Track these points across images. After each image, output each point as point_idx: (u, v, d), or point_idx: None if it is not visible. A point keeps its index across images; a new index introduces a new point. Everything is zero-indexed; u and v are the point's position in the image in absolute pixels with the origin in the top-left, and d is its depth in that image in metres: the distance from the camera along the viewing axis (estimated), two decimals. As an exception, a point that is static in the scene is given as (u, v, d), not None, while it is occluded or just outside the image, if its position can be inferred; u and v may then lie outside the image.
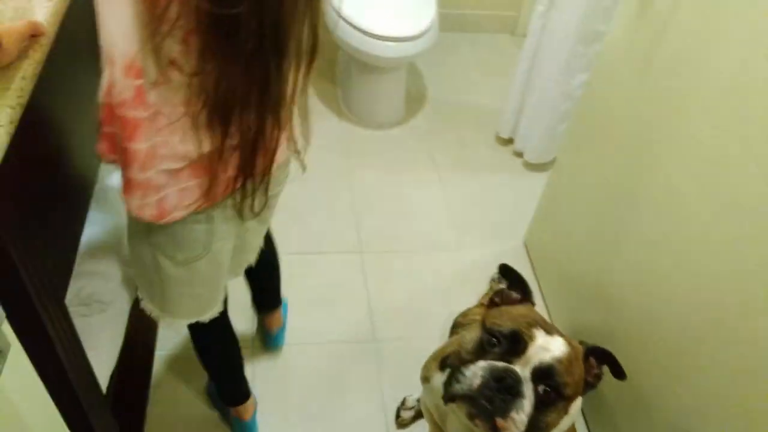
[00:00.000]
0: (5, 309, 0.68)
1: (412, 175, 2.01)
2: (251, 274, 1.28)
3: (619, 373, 1.01)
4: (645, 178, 1.22)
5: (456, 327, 1.48)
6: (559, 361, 0.91)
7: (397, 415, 1.45)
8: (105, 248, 1.20)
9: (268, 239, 1.24)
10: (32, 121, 0.76)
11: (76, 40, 0.94)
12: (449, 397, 0.95)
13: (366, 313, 1.63)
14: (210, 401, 1.43)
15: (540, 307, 1.36)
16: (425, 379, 1.16)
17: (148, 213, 0.86)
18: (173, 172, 0.83)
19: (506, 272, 1.10)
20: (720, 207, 1.02)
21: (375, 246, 1.79)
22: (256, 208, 0.91)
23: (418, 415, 1.43)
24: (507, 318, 0.97)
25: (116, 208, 1.20)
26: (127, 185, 0.84)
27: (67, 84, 0.96)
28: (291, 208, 1.75)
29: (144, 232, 0.93)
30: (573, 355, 0.94)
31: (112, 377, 1.13)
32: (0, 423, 0.71)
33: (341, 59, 2.24)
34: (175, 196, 0.85)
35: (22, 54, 0.74)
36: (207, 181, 0.85)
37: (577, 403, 1.02)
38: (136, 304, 1.11)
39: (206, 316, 1.08)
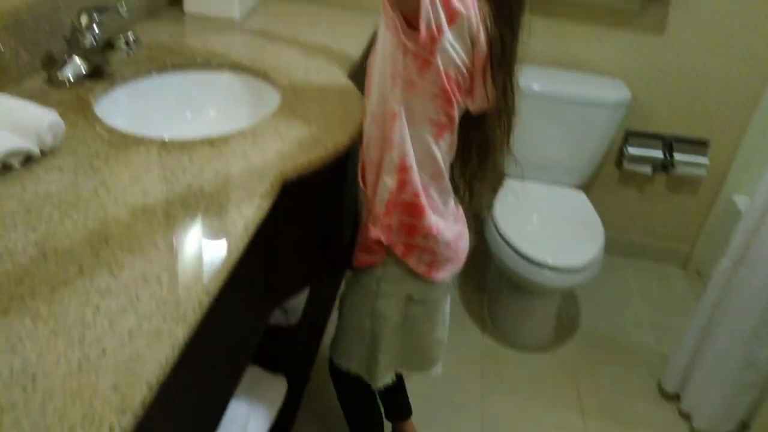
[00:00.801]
0: None
1: (552, 417, 1.78)
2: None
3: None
4: None
5: None
6: None
7: None
8: None
9: None
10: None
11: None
12: None
13: None
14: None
15: None
16: None
17: (422, 269, 1.11)
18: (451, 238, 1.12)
19: None
20: None
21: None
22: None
23: None
24: None
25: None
26: (406, 249, 1.09)
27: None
28: (416, 414, 1.60)
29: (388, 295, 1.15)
30: None
31: None
32: None
33: (493, 270, 2.17)
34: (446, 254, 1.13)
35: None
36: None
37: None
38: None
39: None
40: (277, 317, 1.35)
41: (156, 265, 0.71)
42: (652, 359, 1.98)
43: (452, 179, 1.12)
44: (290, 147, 1.00)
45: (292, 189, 0.95)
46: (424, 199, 1.04)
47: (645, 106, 2.13)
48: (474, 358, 1.95)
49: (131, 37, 1.14)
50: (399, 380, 1.48)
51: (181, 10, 1.60)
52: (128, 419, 0.53)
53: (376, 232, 1.09)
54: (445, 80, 0.94)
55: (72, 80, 1.13)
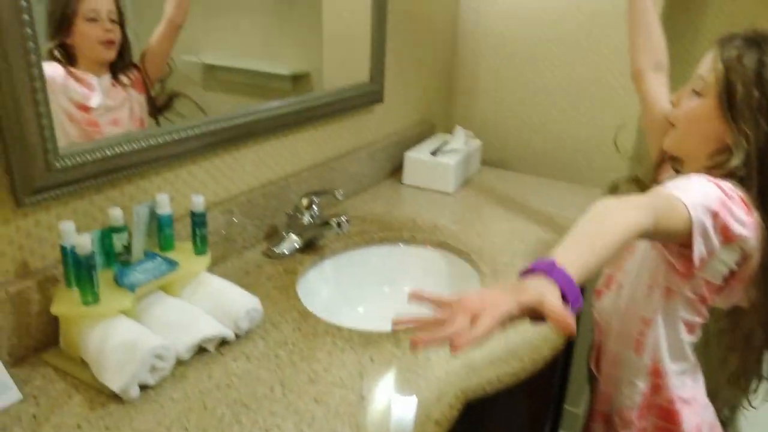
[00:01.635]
0: None
1: None
2: None
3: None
4: None
5: None
6: None
7: None
8: None
9: None
10: None
11: None
12: None
13: None
14: None
15: None
16: None
17: None
18: None
19: None
20: None
21: None
22: None
23: None
24: None
25: None
26: None
27: None
28: None
29: None
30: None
31: None
32: None
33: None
34: None
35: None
36: None
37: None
38: None
39: None
40: None
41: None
42: None
43: None
44: (480, 355, 0.90)
45: (475, 411, 0.84)
46: (679, 405, 1.02)
47: None
48: None
49: (343, 219, 1.19)
50: None
51: (400, 182, 1.67)
52: None
53: None
54: (705, 288, 0.94)
55: (286, 253, 1.20)
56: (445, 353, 0.91)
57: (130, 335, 0.80)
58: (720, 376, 1.03)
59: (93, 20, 0.93)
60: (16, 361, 0.83)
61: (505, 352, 0.91)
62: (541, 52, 1.82)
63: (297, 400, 0.80)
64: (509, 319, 0.60)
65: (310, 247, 1.25)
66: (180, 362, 0.85)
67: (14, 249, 0.82)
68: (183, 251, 0.98)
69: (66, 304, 0.83)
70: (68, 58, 0.92)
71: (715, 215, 0.81)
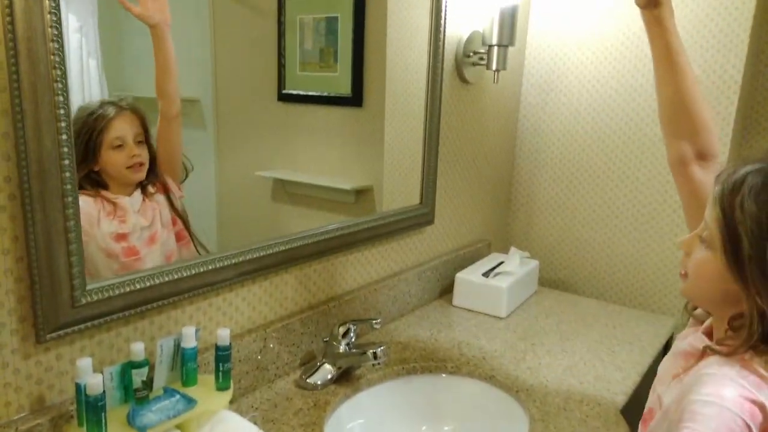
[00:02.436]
0: None
1: None
2: None
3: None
4: None
5: None
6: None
7: None
8: None
9: None
10: None
11: None
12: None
13: None
14: None
15: None
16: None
17: None
18: None
19: None
20: None
21: None
22: None
23: None
24: None
25: None
26: None
27: None
28: None
29: None
30: None
31: None
32: None
33: None
34: None
35: None
36: None
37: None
38: None
39: None
40: None
41: None
42: None
43: None
44: None
45: None
46: None
47: None
48: None
49: (380, 350, 1.13)
50: None
51: (450, 303, 1.60)
52: None
53: None
54: None
55: (319, 384, 1.15)
56: None
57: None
58: None
59: (119, 147, 0.97)
60: (23, 502, 0.81)
61: None
62: (603, 169, 1.76)
63: None
64: None
65: (345, 378, 1.19)
66: None
67: (31, 384, 0.82)
68: (206, 385, 0.95)
69: (74, 444, 0.81)
70: (98, 183, 0.95)
71: None
